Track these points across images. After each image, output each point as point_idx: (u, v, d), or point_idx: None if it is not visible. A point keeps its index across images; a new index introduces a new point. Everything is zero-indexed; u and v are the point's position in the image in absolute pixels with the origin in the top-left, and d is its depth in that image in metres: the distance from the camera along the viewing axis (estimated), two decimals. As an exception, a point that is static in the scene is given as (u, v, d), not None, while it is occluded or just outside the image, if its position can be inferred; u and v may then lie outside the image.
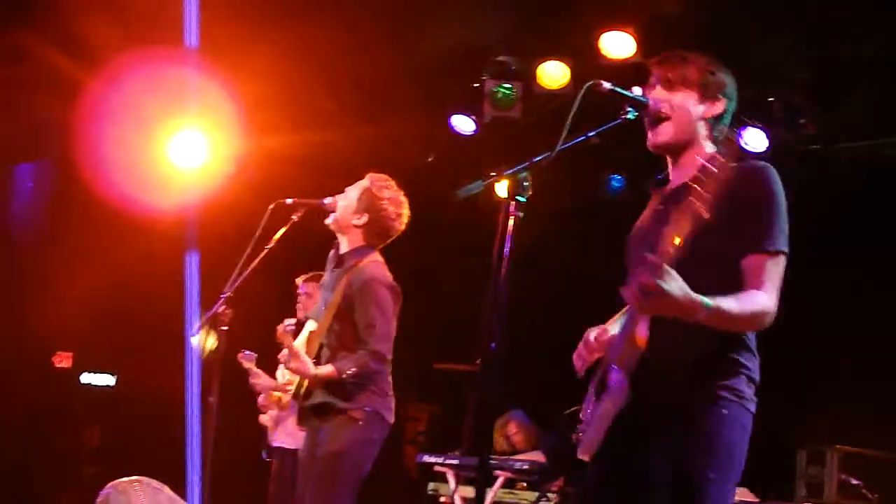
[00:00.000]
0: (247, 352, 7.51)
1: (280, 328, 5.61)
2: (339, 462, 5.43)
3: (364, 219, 5.64)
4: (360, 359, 5.45)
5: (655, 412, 3.36)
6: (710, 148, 3.63)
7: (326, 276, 5.83)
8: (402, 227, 5.75)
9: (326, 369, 5.49)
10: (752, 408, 3.45)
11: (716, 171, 3.01)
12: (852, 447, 7.87)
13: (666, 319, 3.19)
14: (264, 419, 7.65)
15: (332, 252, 5.84)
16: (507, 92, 8.59)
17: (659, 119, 3.62)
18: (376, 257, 5.68)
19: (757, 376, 3.48)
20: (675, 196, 3.56)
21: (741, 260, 3.39)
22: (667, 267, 3.00)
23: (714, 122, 3.66)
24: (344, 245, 5.71)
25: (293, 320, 6.17)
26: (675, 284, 3.03)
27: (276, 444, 7.63)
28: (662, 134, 3.63)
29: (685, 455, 3.34)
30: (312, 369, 5.47)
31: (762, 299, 3.31)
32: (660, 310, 3.10)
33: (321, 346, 5.67)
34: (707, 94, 3.64)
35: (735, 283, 3.34)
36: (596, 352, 3.60)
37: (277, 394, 7.16)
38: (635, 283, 3.02)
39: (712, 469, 3.32)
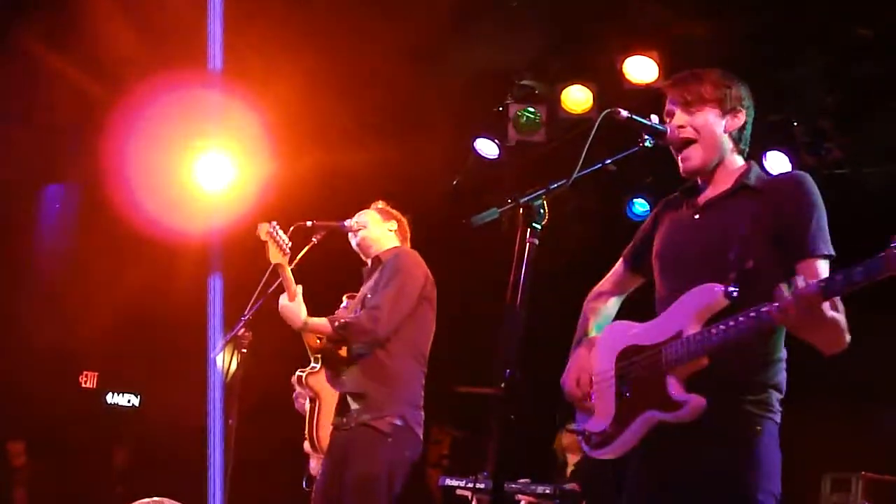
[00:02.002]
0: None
1: (262, 225, 5.32)
2: (371, 487, 5.17)
3: (395, 224, 5.75)
4: (357, 315, 5.32)
5: (697, 429, 3.35)
6: (739, 161, 3.66)
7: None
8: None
9: (319, 319, 5.32)
10: (779, 418, 3.45)
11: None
12: (878, 474, 7.79)
13: None
14: (307, 446, 7.29)
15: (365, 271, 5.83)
16: (532, 116, 8.59)
17: (685, 143, 3.60)
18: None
19: (784, 387, 3.48)
20: (711, 208, 3.61)
21: (796, 264, 3.37)
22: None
23: (738, 134, 3.65)
24: (374, 253, 5.71)
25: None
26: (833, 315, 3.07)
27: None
28: (693, 159, 3.61)
29: (731, 474, 3.35)
30: (303, 315, 5.28)
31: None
32: (805, 323, 3.09)
33: None
34: (727, 108, 3.63)
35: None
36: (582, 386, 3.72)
37: None
38: (798, 296, 3.03)
39: (760, 488, 3.33)
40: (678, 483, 3.44)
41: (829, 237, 3.43)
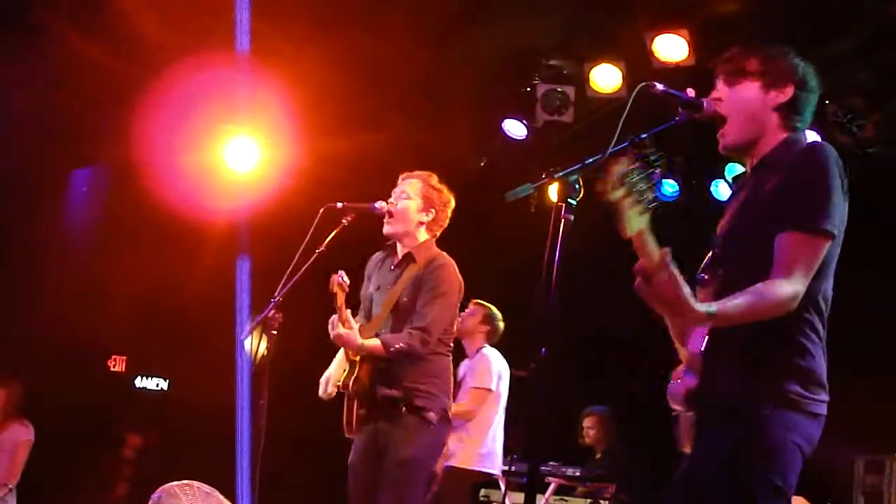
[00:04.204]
0: None
1: (335, 277, 5.41)
2: (414, 468, 5.40)
3: (431, 214, 5.70)
4: (408, 337, 5.39)
5: (708, 413, 3.34)
6: (776, 136, 3.51)
7: (380, 278, 5.77)
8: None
9: (373, 342, 5.40)
10: (810, 407, 3.28)
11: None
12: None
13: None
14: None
15: (379, 255, 5.84)
16: (560, 96, 8.54)
17: (722, 120, 3.52)
18: (441, 251, 5.72)
19: (817, 371, 3.31)
20: (739, 188, 3.58)
21: (775, 237, 3.25)
22: (669, 264, 2.96)
23: (786, 109, 3.50)
24: (406, 244, 5.71)
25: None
26: (670, 283, 2.98)
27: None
28: (727, 136, 3.52)
29: (728, 457, 3.26)
30: (359, 339, 5.37)
31: (779, 290, 3.17)
32: (653, 301, 3.04)
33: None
34: (772, 82, 3.50)
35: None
36: None
37: None
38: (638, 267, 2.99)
39: (754, 470, 3.24)
40: (688, 467, 3.43)
41: (828, 212, 3.25)
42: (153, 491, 6.91)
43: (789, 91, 3.51)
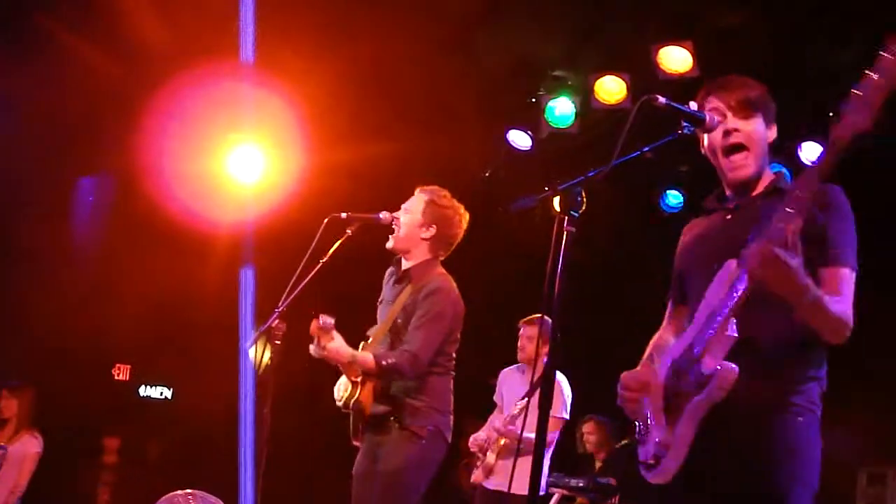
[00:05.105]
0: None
1: (315, 322, 5.31)
2: (399, 479, 5.37)
3: (432, 231, 5.63)
4: (399, 355, 5.35)
5: (730, 420, 3.28)
6: (769, 172, 3.62)
7: (386, 291, 5.78)
8: (463, 233, 5.73)
9: (365, 355, 5.38)
10: (819, 414, 3.40)
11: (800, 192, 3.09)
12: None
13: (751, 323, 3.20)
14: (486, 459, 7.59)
15: (391, 268, 5.81)
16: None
17: (735, 148, 3.54)
18: (443, 271, 5.65)
19: (825, 383, 3.45)
20: (743, 208, 3.56)
21: (820, 270, 3.32)
22: (792, 244, 3.03)
23: (768, 146, 3.62)
24: (408, 260, 5.68)
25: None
26: (795, 261, 3.05)
27: (491, 487, 7.50)
28: (749, 167, 3.55)
29: (766, 463, 3.29)
30: (349, 351, 5.33)
31: (845, 307, 3.27)
32: (773, 279, 3.07)
33: None
34: (768, 120, 3.59)
35: None
36: (639, 391, 3.57)
37: (503, 441, 7.25)
38: (760, 246, 3.02)
39: (797, 478, 3.29)
40: (710, 476, 3.36)
41: (856, 251, 3.41)
42: (156, 501, 6.91)
43: (774, 130, 3.63)
